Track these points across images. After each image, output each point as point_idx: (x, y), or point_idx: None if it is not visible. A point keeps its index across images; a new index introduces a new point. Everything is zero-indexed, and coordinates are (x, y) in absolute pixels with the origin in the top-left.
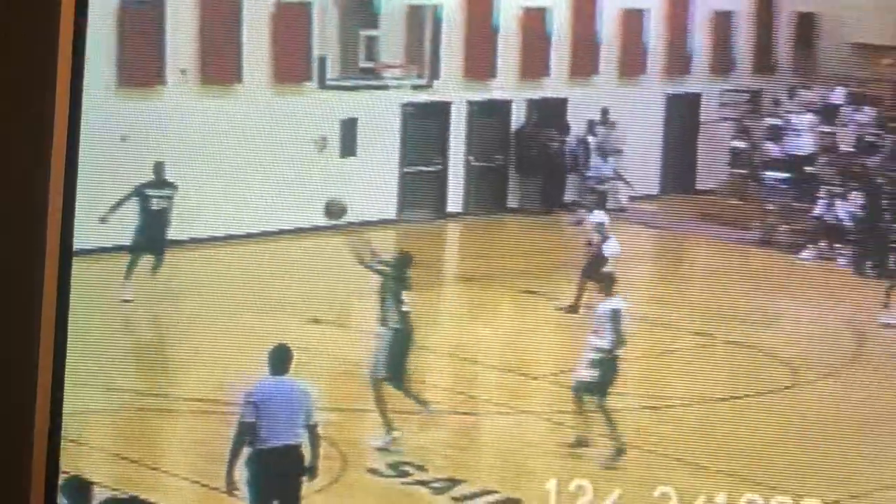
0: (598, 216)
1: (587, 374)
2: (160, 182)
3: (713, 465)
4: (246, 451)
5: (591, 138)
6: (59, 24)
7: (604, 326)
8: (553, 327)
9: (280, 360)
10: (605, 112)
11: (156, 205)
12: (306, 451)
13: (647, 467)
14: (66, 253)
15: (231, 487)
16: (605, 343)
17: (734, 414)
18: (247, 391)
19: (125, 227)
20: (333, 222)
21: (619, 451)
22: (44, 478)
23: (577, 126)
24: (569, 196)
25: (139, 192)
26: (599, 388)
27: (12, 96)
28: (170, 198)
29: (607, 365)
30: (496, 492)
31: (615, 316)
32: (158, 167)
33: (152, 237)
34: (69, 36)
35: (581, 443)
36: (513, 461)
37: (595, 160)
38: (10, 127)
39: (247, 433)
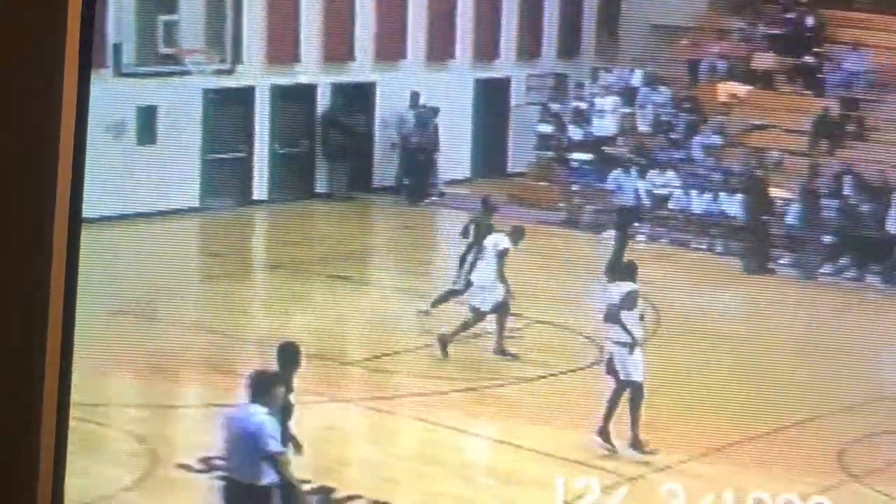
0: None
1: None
2: None
3: None
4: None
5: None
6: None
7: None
8: (365, 312)
9: (250, 385)
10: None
11: None
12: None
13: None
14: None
15: None
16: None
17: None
18: None
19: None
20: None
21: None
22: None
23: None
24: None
25: None
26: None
27: (20, 84)
28: None
29: None
30: (308, 481)
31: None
32: None
33: None
34: (77, 17)
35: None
36: (327, 450)
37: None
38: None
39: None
